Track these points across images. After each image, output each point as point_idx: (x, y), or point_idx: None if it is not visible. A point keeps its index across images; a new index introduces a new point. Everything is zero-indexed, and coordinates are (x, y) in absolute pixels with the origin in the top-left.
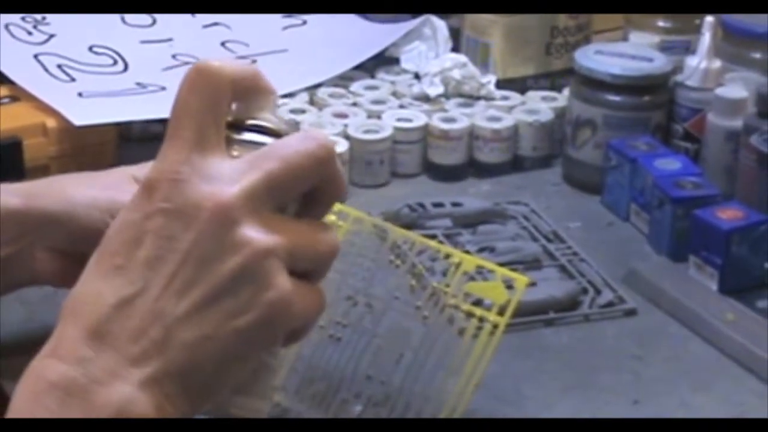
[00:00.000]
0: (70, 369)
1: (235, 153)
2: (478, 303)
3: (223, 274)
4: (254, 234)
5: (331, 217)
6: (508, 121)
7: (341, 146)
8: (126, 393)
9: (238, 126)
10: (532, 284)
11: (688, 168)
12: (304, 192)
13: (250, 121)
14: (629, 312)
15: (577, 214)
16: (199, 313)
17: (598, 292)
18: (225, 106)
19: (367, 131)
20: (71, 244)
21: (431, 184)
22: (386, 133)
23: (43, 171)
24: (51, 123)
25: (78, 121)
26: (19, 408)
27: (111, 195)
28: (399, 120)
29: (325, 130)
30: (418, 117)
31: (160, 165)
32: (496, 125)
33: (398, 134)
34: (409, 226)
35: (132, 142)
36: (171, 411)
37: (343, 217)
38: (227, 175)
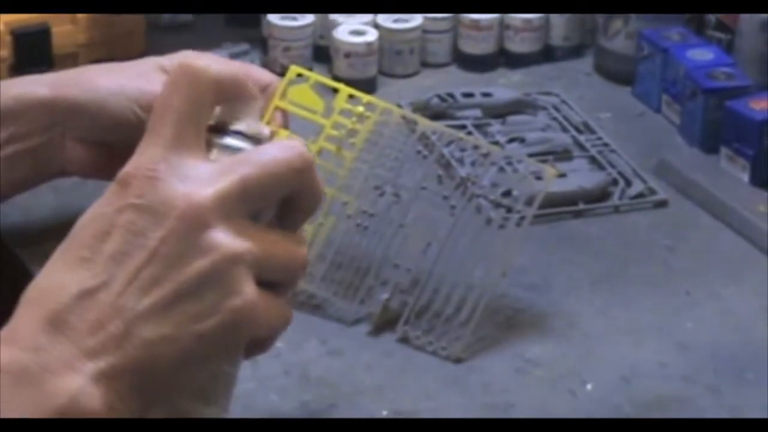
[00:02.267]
0: (24, 355)
1: (213, 156)
2: (506, 194)
3: (188, 275)
4: (224, 238)
5: (359, 108)
6: None
7: (372, 36)
8: (77, 385)
9: (219, 130)
10: (562, 175)
11: (721, 58)
12: (279, 200)
13: (232, 126)
14: (660, 203)
15: (607, 105)
16: (161, 313)
17: (628, 183)
18: (207, 108)
19: (396, 20)
20: (100, 134)
21: (461, 74)
22: (416, 22)
23: (71, 59)
24: None
25: None
26: None
27: (140, 84)
28: None
29: (354, 18)
30: None
31: (136, 160)
32: (528, 14)
33: (428, 23)
34: (439, 116)
35: (161, 30)
36: (121, 408)
37: (371, 108)
38: (202, 177)
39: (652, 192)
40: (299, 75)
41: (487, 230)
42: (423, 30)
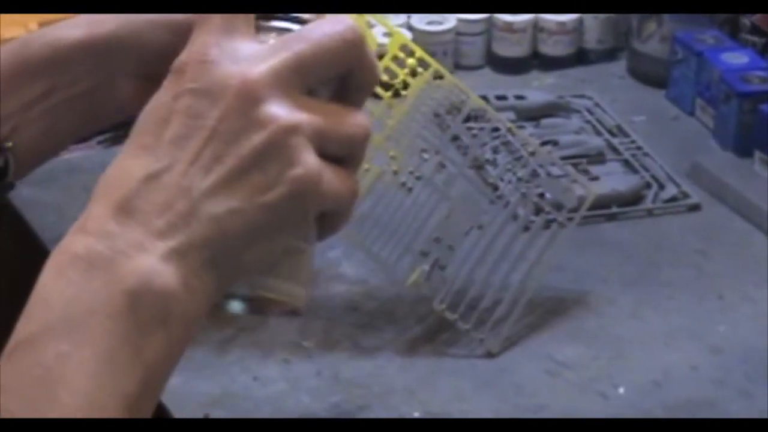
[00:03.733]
0: (96, 242)
1: (264, 39)
2: (541, 196)
3: (248, 149)
4: (280, 111)
5: (411, 61)
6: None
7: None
8: (150, 264)
9: (267, 16)
10: (595, 178)
11: (756, 62)
12: (334, 76)
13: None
14: (693, 207)
15: (641, 108)
16: (226, 188)
17: (661, 186)
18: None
19: (430, 22)
20: (147, 67)
21: (494, 76)
22: (450, 24)
23: None
24: None
25: None
26: (43, 282)
27: (173, 15)
28: None
29: (388, 20)
30: None
31: (189, 49)
32: (561, 17)
33: (461, 26)
34: (472, 118)
35: None
36: (196, 284)
37: (424, 66)
38: (255, 56)
39: (686, 195)
40: None
41: (527, 233)
42: (456, 32)
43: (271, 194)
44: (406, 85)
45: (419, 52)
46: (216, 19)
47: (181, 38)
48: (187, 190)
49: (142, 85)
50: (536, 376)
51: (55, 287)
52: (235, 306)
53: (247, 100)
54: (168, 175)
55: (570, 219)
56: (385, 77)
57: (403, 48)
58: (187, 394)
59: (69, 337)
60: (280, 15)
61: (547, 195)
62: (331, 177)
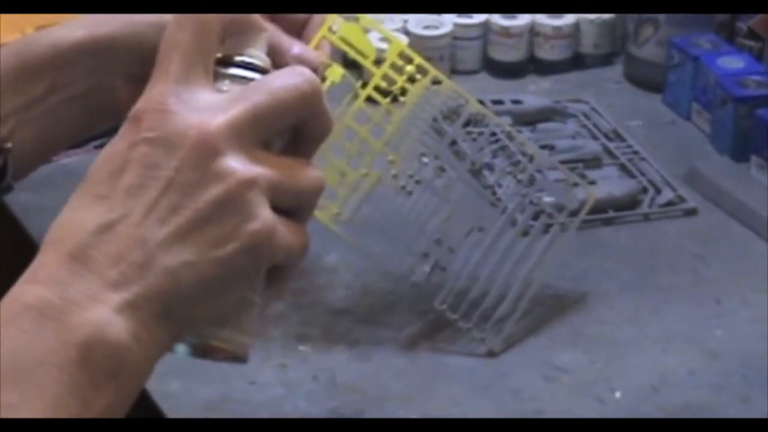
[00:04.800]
0: (47, 291)
1: (222, 87)
2: (540, 200)
3: (205, 202)
4: (238, 165)
5: (410, 68)
6: (569, 18)
7: (402, 40)
8: (103, 315)
9: (226, 62)
10: (592, 183)
11: (752, 67)
12: (289, 128)
13: (239, 58)
14: (690, 211)
15: (638, 113)
16: (181, 240)
17: (658, 191)
18: (214, 42)
19: (426, 27)
20: (146, 68)
21: (491, 81)
22: (446, 29)
23: None
24: None
25: None
26: None
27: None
28: (459, 16)
29: (385, 25)
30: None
31: (146, 96)
32: (558, 22)
33: (458, 30)
34: (469, 123)
35: None
36: (147, 337)
37: (422, 72)
38: (213, 106)
39: (682, 200)
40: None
41: (527, 236)
42: (453, 37)
43: (226, 248)
44: (404, 92)
45: (418, 59)
46: (175, 65)
47: None
48: (142, 241)
49: (140, 88)
50: (534, 381)
51: (5, 336)
52: (180, 349)
53: (204, 151)
54: (123, 226)
55: (570, 222)
56: (383, 84)
57: (401, 55)
58: (184, 398)
59: (17, 387)
60: (238, 61)
61: (547, 198)
62: (284, 231)
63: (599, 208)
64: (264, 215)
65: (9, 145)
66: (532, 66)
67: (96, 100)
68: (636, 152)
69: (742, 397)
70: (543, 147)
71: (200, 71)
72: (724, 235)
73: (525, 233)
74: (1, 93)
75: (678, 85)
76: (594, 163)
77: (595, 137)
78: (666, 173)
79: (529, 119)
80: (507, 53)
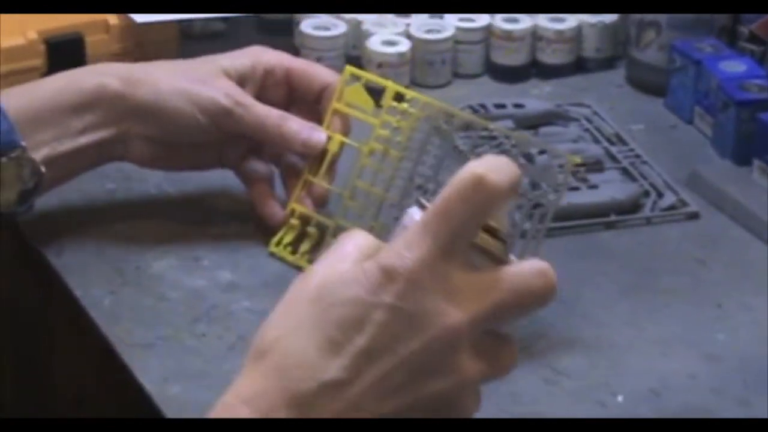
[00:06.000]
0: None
1: (475, 261)
2: (539, 205)
3: (429, 392)
4: (468, 364)
5: (403, 105)
6: (571, 22)
7: (404, 46)
8: None
9: (493, 231)
10: (594, 186)
11: (754, 70)
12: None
13: (488, 223)
14: (691, 215)
15: (640, 117)
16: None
17: (660, 195)
18: (485, 220)
19: (429, 31)
20: (160, 132)
21: (493, 84)
22: (448, 32)
23: None
24: (113, 20)
25: (139, 18)
26: None
27: (200, 89)
28: (461, 20)
29: (386, 29)
30: (480, 17)
31: (404, 255)
32: (560, 26)
33: (460, 34)
34: (471, 126)
35: (193, 39)
36: None
37: (415, 104)
38: (463, 293)
39: (684, 204)
40: (353, 75)
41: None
42: (455, 41)
43: None
44: (398, 131)
45: (411, 94)
46: (443, 236)
47: (201, 115)
48: (360, 410)
49: (150, 146)
50: (534, 385)
51: None
52: None
53: (445, 345)
54: (349, 388)
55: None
56: (382, 132)
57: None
58: (185, 402)
59: None
60: (488, 227)
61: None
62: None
63: (601, 211)
64: (471, 410)
65: (44, 169)
66: (534, 70)
67: (110, 148)
68: (638, 156)
69: (743, 400)
70: (544, 151)
71: (462, 249)
72: (725, 238)
73: (522, 235)
74: (50, 120)
75: (680, 88)
76: (596, 166)
77: (597, 141)
78: (668, 177)
79: (531, 123)
80: (509, 57)
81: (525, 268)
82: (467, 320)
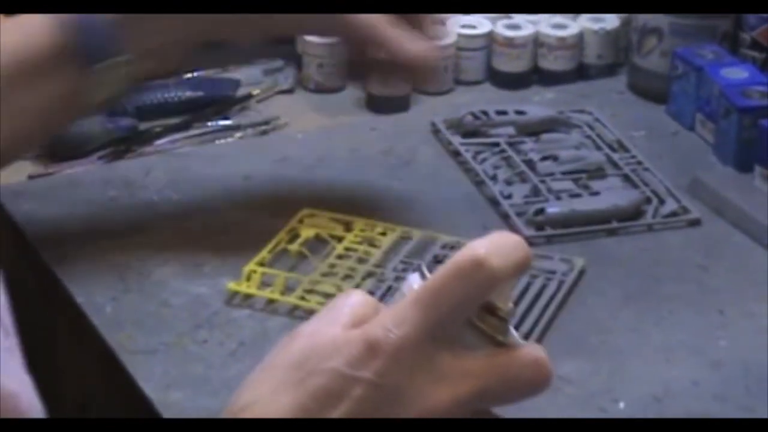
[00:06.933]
0: None
1: (469, 340)
2: (541, 211)
3: None
4: None
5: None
6: (573, 29)
7: None
8: None
9: (493, 310)
10: (596, 193)
11: (756, 77)
12: None
13: (489, 300)
14: (693, 222)
15: (641, 123)
16: None
17: (661, 201)
18: (479, 303)
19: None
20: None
21: (495, 91)
22: (450, 39)
23: None
24: None
25: None
26: None
27: None
28: (463, 26)
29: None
30: (482, 24)
31: (391, 330)
32: (562, 32)
33: (462, 41)
34: (472, 133)
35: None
36: None
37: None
38: (447, 380)
39: (686, 211)
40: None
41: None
42: (457, 47)
43: None
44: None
45: (380, 227)
46: (435, 316)
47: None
48: None
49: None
50: None
51: None
52: None
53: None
54: None
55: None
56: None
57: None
58: (188, 409)
59: None
60: (487, 305)
61: (551, 209)
62: None
63: (603, 218)
64: None
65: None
66: (536, 76)
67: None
68: (640, 162)
69: (746, 407)
70: (546, 158)
71: (454, 330)
72: (727, 245)
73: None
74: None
75: (681, 95)
76: (598, 173)
77: (598, 147)
78: (670, 183)
79: (532, 129)
80: (511, 64)
81: (518, 357)
82: (448, 404)
